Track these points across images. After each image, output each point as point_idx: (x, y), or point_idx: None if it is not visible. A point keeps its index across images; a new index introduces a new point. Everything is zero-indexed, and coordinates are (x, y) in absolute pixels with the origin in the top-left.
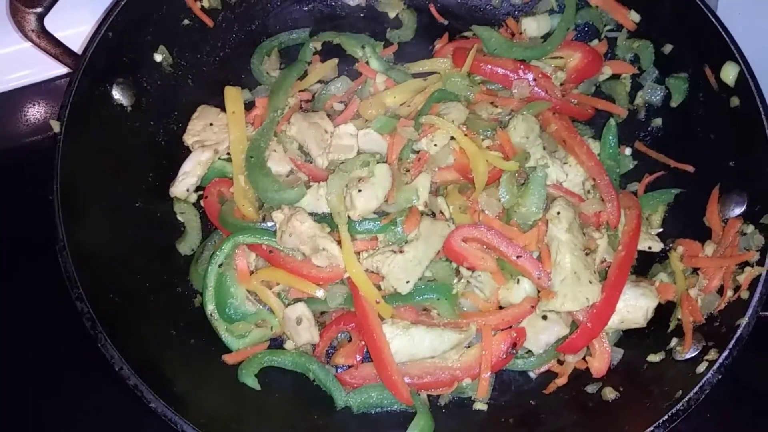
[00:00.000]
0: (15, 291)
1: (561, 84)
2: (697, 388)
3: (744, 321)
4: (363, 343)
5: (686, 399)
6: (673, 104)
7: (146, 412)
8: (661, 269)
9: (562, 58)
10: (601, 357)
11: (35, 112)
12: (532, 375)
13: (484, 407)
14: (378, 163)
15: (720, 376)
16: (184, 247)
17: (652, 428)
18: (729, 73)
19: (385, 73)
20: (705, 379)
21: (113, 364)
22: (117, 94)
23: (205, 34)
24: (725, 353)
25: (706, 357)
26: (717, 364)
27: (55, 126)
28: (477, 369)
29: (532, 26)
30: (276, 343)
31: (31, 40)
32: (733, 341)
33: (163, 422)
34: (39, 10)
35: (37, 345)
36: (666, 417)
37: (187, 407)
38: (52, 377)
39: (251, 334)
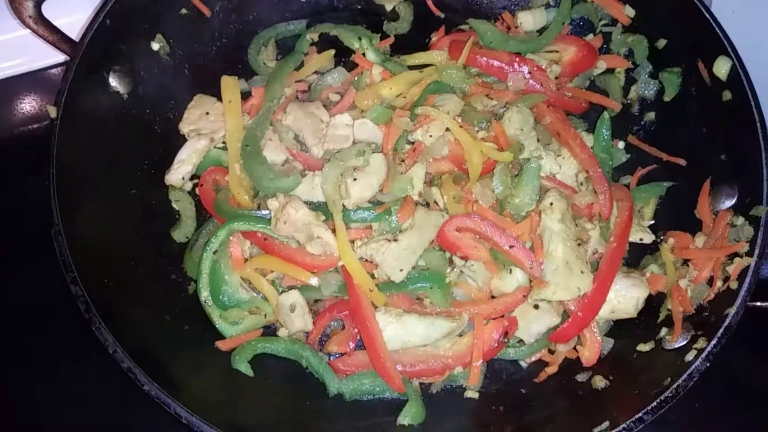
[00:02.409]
0: (9, 280)
1: (556, 77)
2: (685, 376)
3: (732, 310)
4: (356, 330)
5: (675, 386)
6: (666, 98)
7: (140, 400)
8: (652, 261)
9: (557, 51)
10: (592, 346)
11: (30, 100)
12: (524, 364)
13: (476, 395)
14: (373, 152)
15: (708, 364)
16: (179, 235)
17: (640, 414)
18: (721, 67)
19: (381, 64)
20: (693, 366)
21: (107, 347)
22: (114, 82)
23: (202, 24)
24: (714, 341)
25: (695, 345)
26: (705, 352)
27: (52, 111)
28: (469, 357)
29: (528, 20)
30: (269, 331)
31: (29, 27)
32: (721, 330)
33: (156, 408)
34: None
35: (34, 333)
36: (655, 403)
37: (181, 391)
38: (48, 365)
39: (245, 321)
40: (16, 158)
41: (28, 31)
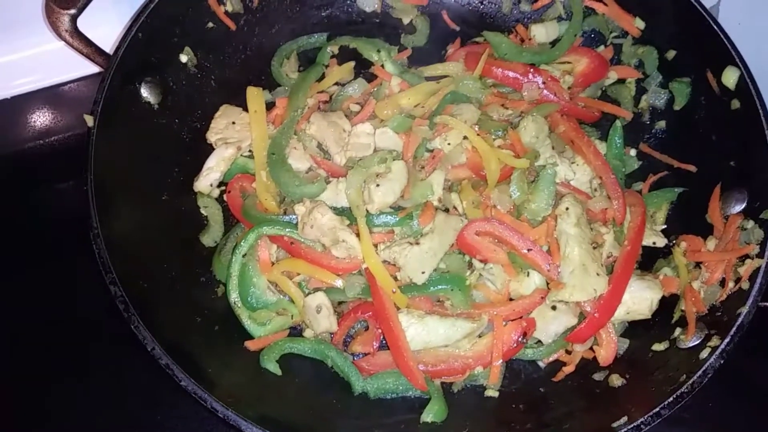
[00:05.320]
0: (18, 291)
1: (569, 87)
2: (700, 372)
3: (745, 310)
4: (380, 331)
5: (690, 382)
6: (677, 107)
7: (168, 400)
8: (665, 264)
9: (569, 62)
10: (608, 346)
11: (47, 114)
12: (541, 364)
13: (496, 394)
14: (394, 160)
15: (722, 361)
16: (207, 240)
17: (658, 409)
18: (730, 77)
19: (399, 75)
20: (708, 363)
21: (145, 345)
22: (145, 92)
23: (228, 37)
24: (727, 339)
25: (709, 344)
26: (719, 350)
27: (89, 120)
28: (488, 357)
29: (541, 32)
30: (296, 331)
31: (65, 40)
32: (734, 328)
33: (184, 407)
34: (73, 11)
35: (66, 333)
36: (671, 399)
37: (214, 387)
38: (77, 364)
39: (272, 322)
40: (35, 168)
41: (44, 48)
